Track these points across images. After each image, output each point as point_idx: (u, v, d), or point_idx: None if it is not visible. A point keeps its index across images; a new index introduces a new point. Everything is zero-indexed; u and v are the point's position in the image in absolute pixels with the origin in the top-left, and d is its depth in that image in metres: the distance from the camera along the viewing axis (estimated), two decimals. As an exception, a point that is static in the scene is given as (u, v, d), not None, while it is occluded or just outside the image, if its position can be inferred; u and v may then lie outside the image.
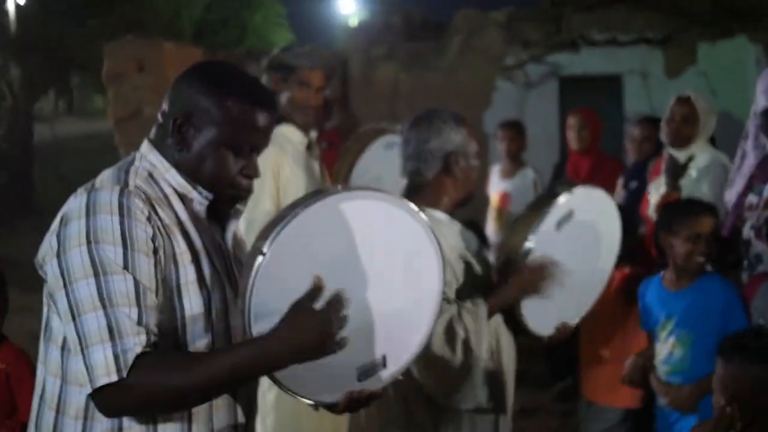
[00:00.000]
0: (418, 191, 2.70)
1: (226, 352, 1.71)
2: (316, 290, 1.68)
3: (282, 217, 1.78)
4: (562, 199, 2.64)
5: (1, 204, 12.64)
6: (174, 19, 22.90)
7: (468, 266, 2.66)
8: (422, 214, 2.03)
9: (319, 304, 1.68)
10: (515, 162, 5.65)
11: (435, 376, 2.55)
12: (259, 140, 1.86)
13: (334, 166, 4.09)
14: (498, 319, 2.66)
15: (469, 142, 2.70)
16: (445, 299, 2.49)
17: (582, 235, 2.76)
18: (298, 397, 1.91)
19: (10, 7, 16.89)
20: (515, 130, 5.70)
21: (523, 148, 5.73)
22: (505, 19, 8.48)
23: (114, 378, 1.59)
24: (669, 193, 3.86)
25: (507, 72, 8.44)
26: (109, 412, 1.67)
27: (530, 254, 2.60)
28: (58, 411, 1.76)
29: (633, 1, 8.14)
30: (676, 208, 3.30)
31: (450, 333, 2.49)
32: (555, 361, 5.13)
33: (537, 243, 2.60)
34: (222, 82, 1.82)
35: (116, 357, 1.59)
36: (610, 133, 7.24)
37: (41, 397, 1.81)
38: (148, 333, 1.64)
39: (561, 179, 5.27)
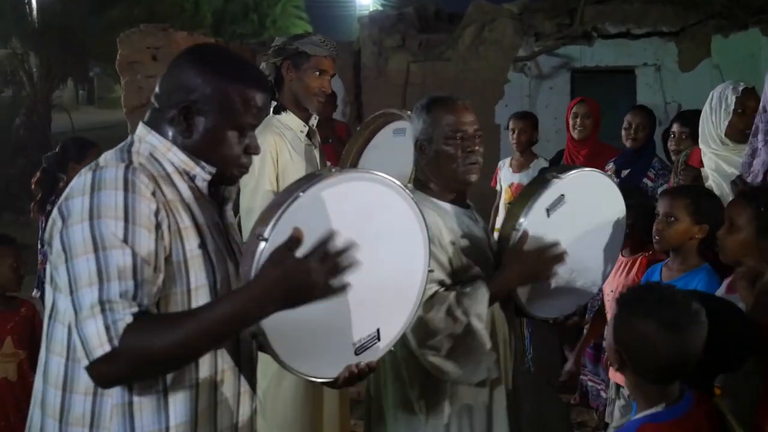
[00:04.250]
0: (417, 179, 2.76)
1: (210, 307, 1.72)
2: (292, 240, 1.68)
3: (281, 201, 1.83)
4: (551, 183, 2.62)
5: (18, 192, 12.76)
6: (195, 11, 23.02)
7: (467, 251, 2.65)
8: (409, 193, 2.13)
9: (300, 253, 1.68)
10: (528, 154, 5.63)
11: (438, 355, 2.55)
12: (260, 118, 1.95)
13: (344, 149, 4.10)
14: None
15: (435, 126, 2.65)
16: (442, 284, 2.52)
17: (579, 219, 2.73)
18: (300, 375, 1.98)
19: (32, -4, 17.05)
20: (529, 121, 5.68)
21: (535, 139, 5.72)
22: (518, 11, 8.45)
23: (107, 348, 1.62)
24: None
25: (519, 64, 8.41)
26: (105, 382, 1.70)
27: (521, 238, 2.59)
28: (65, 389, 1.80)
29: (647, -6, 8.11)
30: None
31: (450, 318, 2.49)
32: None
33: (528, 228, 2.59)
34: (222, 67, 1.90)
35: (107, 328, 1.63)
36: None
37: (44, 377, 1.85)
38: (140, 305, 1.67)
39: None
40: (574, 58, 8.29)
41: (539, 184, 2.66)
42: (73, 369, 1.78)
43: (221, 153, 1.91)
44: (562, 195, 2.64)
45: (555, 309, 2.82)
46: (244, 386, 1.98)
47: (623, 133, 4.83)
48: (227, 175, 1.95)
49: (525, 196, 2.67)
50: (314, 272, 1.66)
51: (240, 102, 1.88)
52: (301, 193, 1.82)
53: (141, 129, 1.93)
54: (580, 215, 2.73)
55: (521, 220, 2.59)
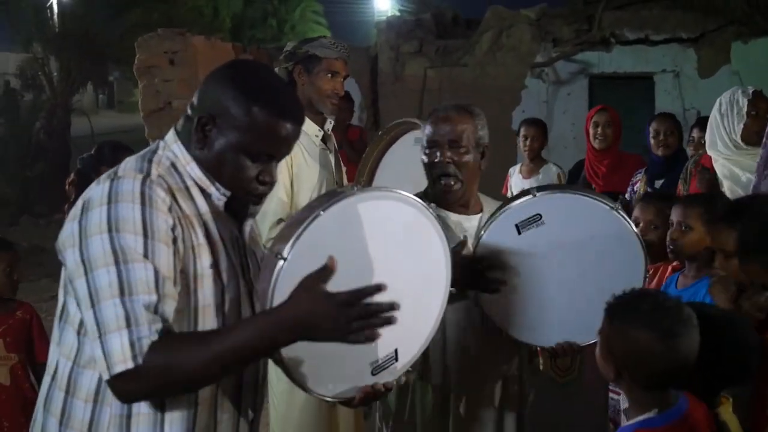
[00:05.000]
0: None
1: (233, 331, 1.71)
2: (325, 270, 1.66)
3: (301, 219, 1.80)
4: (526, 199, 2.42)
5: (38, 196, 12.87)
6: (214, 16, 23.16)
7: None
8: (431, 212, 2.10)
9: (334, 289, 1.65)
10: (537, 160, 5.62)
11: None
12: (280, 150, 1.87)
13: (363, 156, 4.08)
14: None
15: (423, 136, 2.68)
16: None
17: (563, 249, 2.44)
18: (318, 396, 1.97)
19: (53, 1, 17.23)
20: (540, 128, 5.67)
21: (545, 146, 5.71)
22: (535, 17, 8.44)
23: (130, 365, 1.61)
24: None
25: (537, 70, 8.39)
26: (125, 398, 1.69)
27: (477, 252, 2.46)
28: (68, 393, 1.79)
29: (666, 0, 8.06)
30: None
31: None
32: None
33: (489, 239, 2.44)
34: (252, 88, 1.82)
35: (132, 344, 1.62)
36: (642, 132, 7.16)
37: (53, 377, 1.84)
38: (163, 321, 1.67)
39: (579, 180, 5.23)
40: (592, 64, 8.27)
41: (517, 196, 2.50)
42: (78, 374, 1.78)
43: (230, 174, 1.85)
44: (539, 215, 2.40)
45: (533, 337, 2.58)
46: (245, 410, 1.95)
47: (652, 141, 4.72)
48: (240, 198, 1.89)
49: (501, 206, 2.51)
50: (339, 317, 1.63)
51: (259, 128, 1.80)
52: (321, 212, 1.79)
53: (170, 135, 1.90)
54: (566, 244, 2.43)
55: (485, 227, 2.46)
